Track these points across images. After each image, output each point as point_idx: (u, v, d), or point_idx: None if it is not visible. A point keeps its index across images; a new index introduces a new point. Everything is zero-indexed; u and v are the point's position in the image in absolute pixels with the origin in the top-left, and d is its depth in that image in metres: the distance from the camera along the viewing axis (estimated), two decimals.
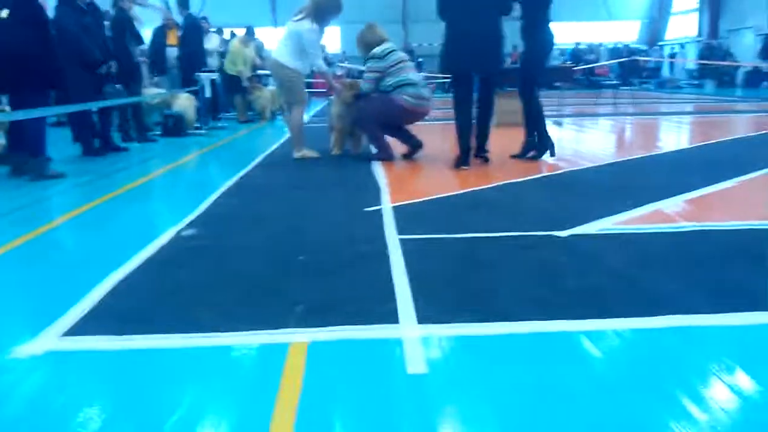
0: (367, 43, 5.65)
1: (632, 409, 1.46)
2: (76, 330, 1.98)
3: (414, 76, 5.57)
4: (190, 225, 3.33)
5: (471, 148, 5.13)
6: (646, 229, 3.11)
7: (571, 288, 2.26)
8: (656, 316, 1.99)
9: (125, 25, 7.44)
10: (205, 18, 11.57)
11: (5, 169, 5.70)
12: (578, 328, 1.92)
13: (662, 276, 2.37)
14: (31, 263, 2.81)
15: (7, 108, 6.21)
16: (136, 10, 7.83)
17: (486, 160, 5.31)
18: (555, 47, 5.60)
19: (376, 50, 5.51)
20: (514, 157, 5.53)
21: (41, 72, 5.03)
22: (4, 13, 4.82)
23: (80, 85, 5.96)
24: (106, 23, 7.21)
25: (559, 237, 2.93)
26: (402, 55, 5.66)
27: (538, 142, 5.44)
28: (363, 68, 5.86)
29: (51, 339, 1.91)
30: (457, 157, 5.10)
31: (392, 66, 5.46)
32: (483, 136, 5.35)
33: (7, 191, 4.68)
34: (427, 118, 5.91)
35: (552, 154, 5.42)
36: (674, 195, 3.80)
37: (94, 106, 6.16)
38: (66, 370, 1.73)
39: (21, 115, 4.69)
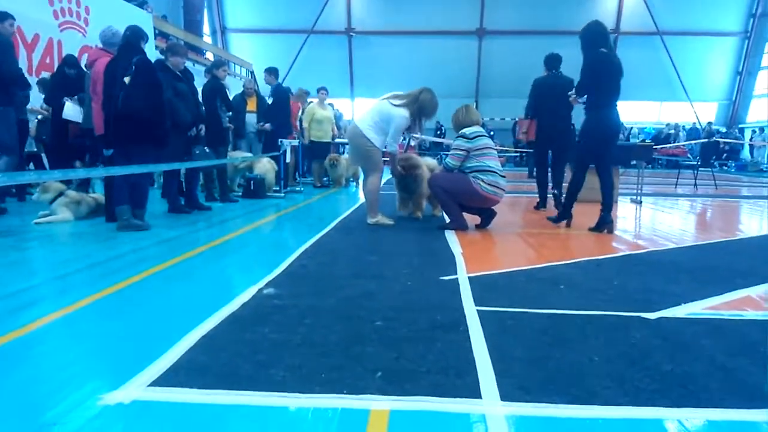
0: (461, 122, 5.87)
1: None
2: (161, 381, 2.02)
3: (494, 163, 5.68)
4: (270, 284, 3.40)
5: (547, 198, 7.62)
6: (737, 315, 2.94)
7: (663, 373, 2.14)
8: (756, 409, 1.86)
9: (218, 92, 7.90)
10: (287, 90, 12.15)
11: (98, 220, 6.06)
12: (672, 415, 1.81)
13: (759, 367, 2.22)
14: (120, 313, 2.91)
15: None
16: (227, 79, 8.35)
17: (559, 201, 7.04)
18: (627, 126, 5.74)
19: (467, 131, 5.72)
20: (591, 229, 5.74)
21: (152, 131, 5.47)
22: (126, 79, 5.28)
23: (170, 146, 6.32)
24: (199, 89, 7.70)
25: (648, 319, 2.81)
26: (488, 141, 5.80)
27: (560, 211, 6.13)
28: (434, 139, 6.17)
29: (138, 388, 1.96)
30: (537, 203, 7.66)
31: (477, 149, 5.63)
32: (557, 186, 7.53)
33: (96, 243, 4.93)
34: None
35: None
36: (763, 282, 3.61)
37: (184, 166, 6.50)
38: (150, 420, 1.76)
39: (120, 170, 5.01)
